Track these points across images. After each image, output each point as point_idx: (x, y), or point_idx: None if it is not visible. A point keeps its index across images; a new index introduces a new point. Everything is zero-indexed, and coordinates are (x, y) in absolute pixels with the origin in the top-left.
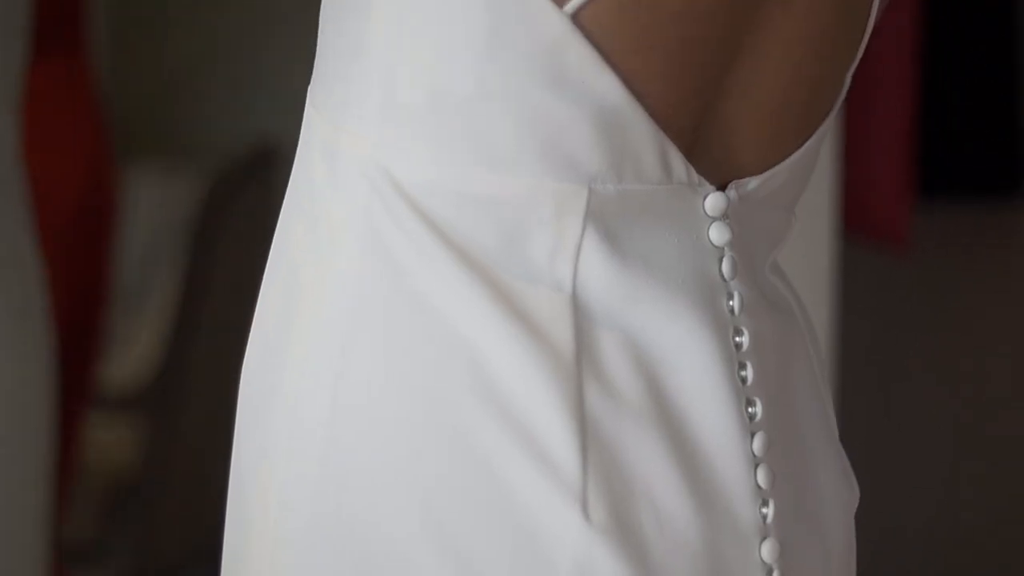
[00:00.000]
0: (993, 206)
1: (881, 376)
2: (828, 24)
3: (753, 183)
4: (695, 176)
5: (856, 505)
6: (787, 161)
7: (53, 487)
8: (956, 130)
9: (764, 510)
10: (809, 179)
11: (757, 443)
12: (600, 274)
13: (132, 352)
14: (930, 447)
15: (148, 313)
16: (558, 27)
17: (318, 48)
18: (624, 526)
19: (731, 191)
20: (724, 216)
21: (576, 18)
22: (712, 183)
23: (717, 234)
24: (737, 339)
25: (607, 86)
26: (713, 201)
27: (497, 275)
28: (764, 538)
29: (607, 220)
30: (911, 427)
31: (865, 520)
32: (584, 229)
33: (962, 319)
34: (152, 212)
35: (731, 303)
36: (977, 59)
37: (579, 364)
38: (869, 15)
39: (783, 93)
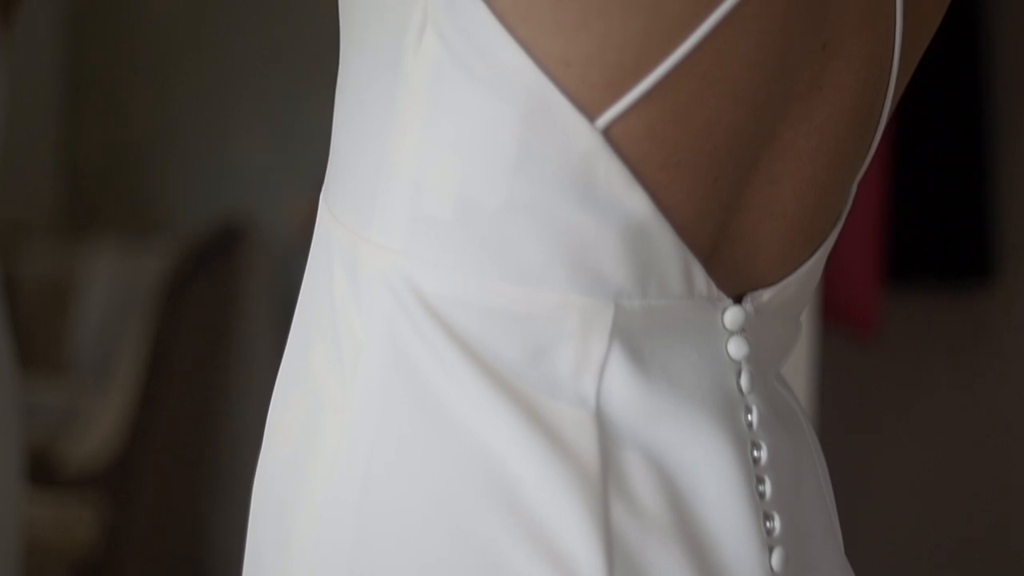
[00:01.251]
0: (964, 291)
1: (853, 460)
2: (841, 136)
3: (767, 295)
4: (715, 290)
5: None
6: (799, 271)
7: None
8: (927, 216)
9: None
10: (815, 287)
11: (775, 558)
12: (624, 390)
13: (93, 429)
14: (901, 529)
15: (110, 390)
16: (590, 141)
17: (332, 152)
18: None
19: (747, 304)
20: (742, 330)
21: (607, 132)
22: (728, 295)
23: (735, 348)
24: (755, 453)
25: (635, 201)
26: (732, 315)
27: (521, 389)
28: None
29: (632, 336)
30: (882, 508)
31: None
32: (610, 345)
33: (932, 403)
34: (114, 286)
35: (749, 417)
36: (948, 145)
37: (605, 481)
38: (879, 124)
39: (797, 205)
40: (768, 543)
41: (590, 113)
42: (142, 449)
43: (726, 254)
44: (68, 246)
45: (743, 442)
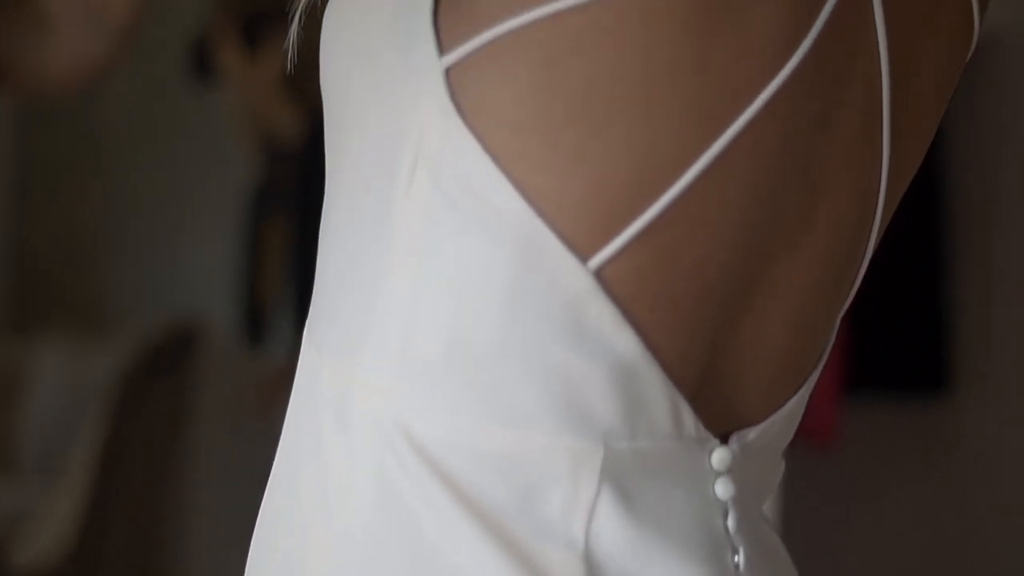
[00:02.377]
0: (921, 403)
1: (812, 568)
2: (828, 272)
3: (753, 433)
4: (702, 430)
5: None
6: (783, 409)
7: None
8: (884, 329)
9: None
10: (797, 424)
11: None
12: (613, 532)
13: (43, 529)
14: None
15: (61, 489)
16: (582, 282)
17: (317, 289)
18: None
19: (734, 444)
20: (728, 470)
21: (599, 273)
22: (714, 434)
23: (722, 489)
24: None
25: (625, 342)
26: (719, 455)
27: (511, 531)
28: None
29: (620, 477)
30: None
31: None
32: (599, 488)
33: (889, 512)
34: (63, 384)
35: (736, 558)
36: (904, 256)
37: None
38: (864, 258)
39: (784, 342)
40: None
41: (582, 254)
42: (93, 550)
43: (713, 392)
44: (16, 342)
45: None
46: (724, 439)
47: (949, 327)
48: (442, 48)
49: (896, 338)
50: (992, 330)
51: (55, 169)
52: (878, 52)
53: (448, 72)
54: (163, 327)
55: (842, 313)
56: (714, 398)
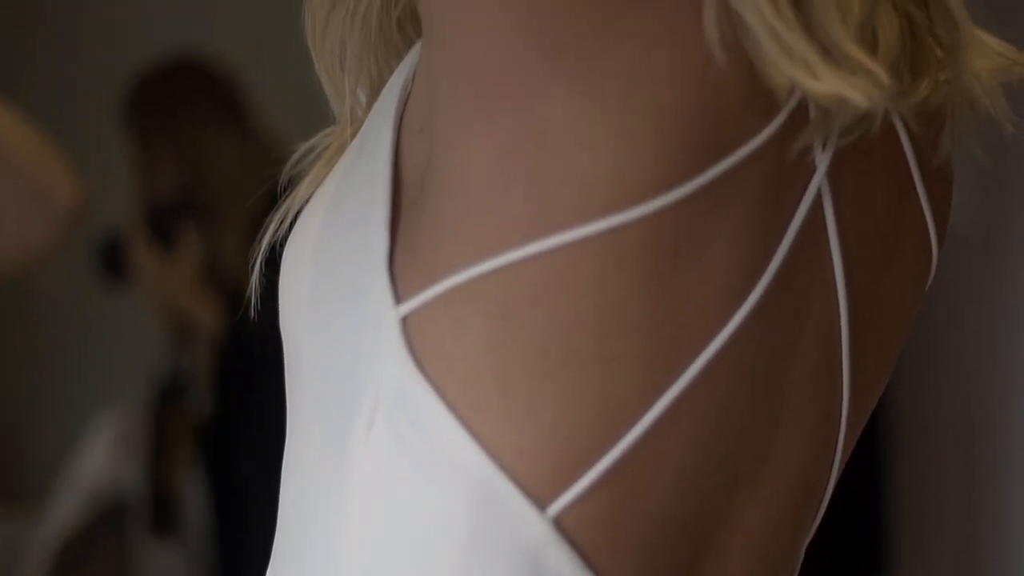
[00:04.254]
0: None
1: None
2: (789, 506)
3: None
4: None
5: None
6: None
7: None
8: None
9: None
10: None
11: None
12: None
13: None
14: None
15: None
16: (540, 530)
17: (279, 532)
18: None
19: None
20: None
21: (557, 521)
22: None
23: None
24: None
25: None
26: None
27: None
28: None
29: None
30: None
31: None
32: None
33: None
34: None
35: None
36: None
37: None
38: (826, 490)
39: None
40: None
41: (541, 502)
42: None
43: None
44: None
45: None
46: None
47: (888, 515)
48: (398, 296)
49: (834, 524)
50: (928, 515)
51: None
52: (835, 287)
53: (404, 320)
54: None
55: (806, 542)
56: None
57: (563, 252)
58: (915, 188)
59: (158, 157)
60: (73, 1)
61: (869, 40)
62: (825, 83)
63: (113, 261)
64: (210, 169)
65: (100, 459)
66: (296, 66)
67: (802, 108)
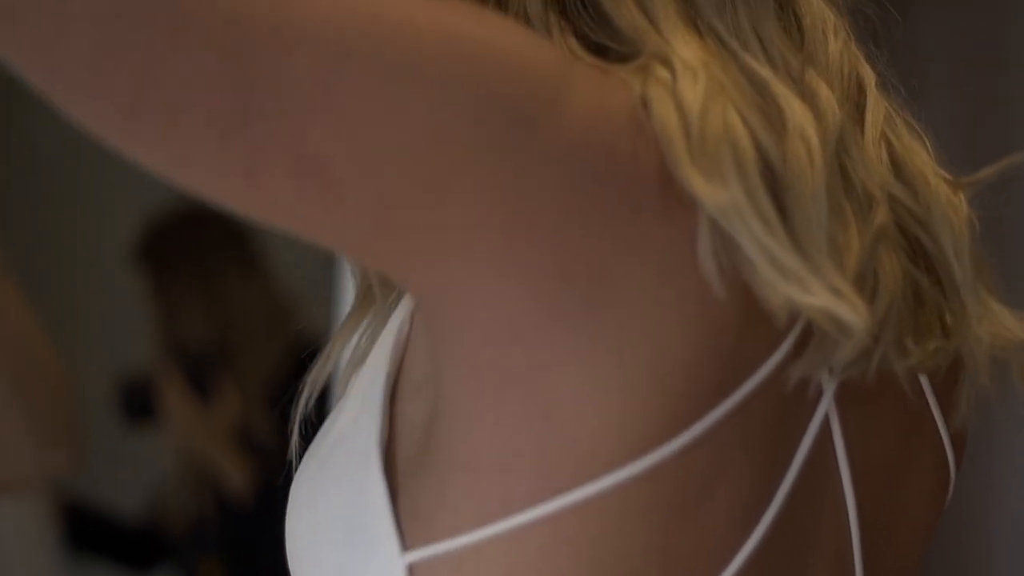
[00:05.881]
0: None
1: None
2: None
3: None
4: None
5: None
6: None
7: None
8: None
9: None
10: None
11: None
12: None
13: None
14: None
15: None
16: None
17: None
18: None
19: None
20: None
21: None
22: None
23: None
24: None
25: None
26: None
27: None
28: None
29: None
30: None
31: None
32: None
33: None
34: None
35: None
36: None
37: None
38: None
39: None
40: None
41: None
42: None
43: None
44: None
45: None
46: None
47: None
48: (405, 545)
49: None
50: None
51: None
52: (846, 509)
53: (411, 569)
54: None
55: None
56: None
57: (570, 512)
58: (929, 406)
59: (182, 303)
60: (85, 149)
61: (870, 284)
62: (818, 298)
63: (137, 404)
64: (240, 318)
65: None
66: None
67: (805, 337)
